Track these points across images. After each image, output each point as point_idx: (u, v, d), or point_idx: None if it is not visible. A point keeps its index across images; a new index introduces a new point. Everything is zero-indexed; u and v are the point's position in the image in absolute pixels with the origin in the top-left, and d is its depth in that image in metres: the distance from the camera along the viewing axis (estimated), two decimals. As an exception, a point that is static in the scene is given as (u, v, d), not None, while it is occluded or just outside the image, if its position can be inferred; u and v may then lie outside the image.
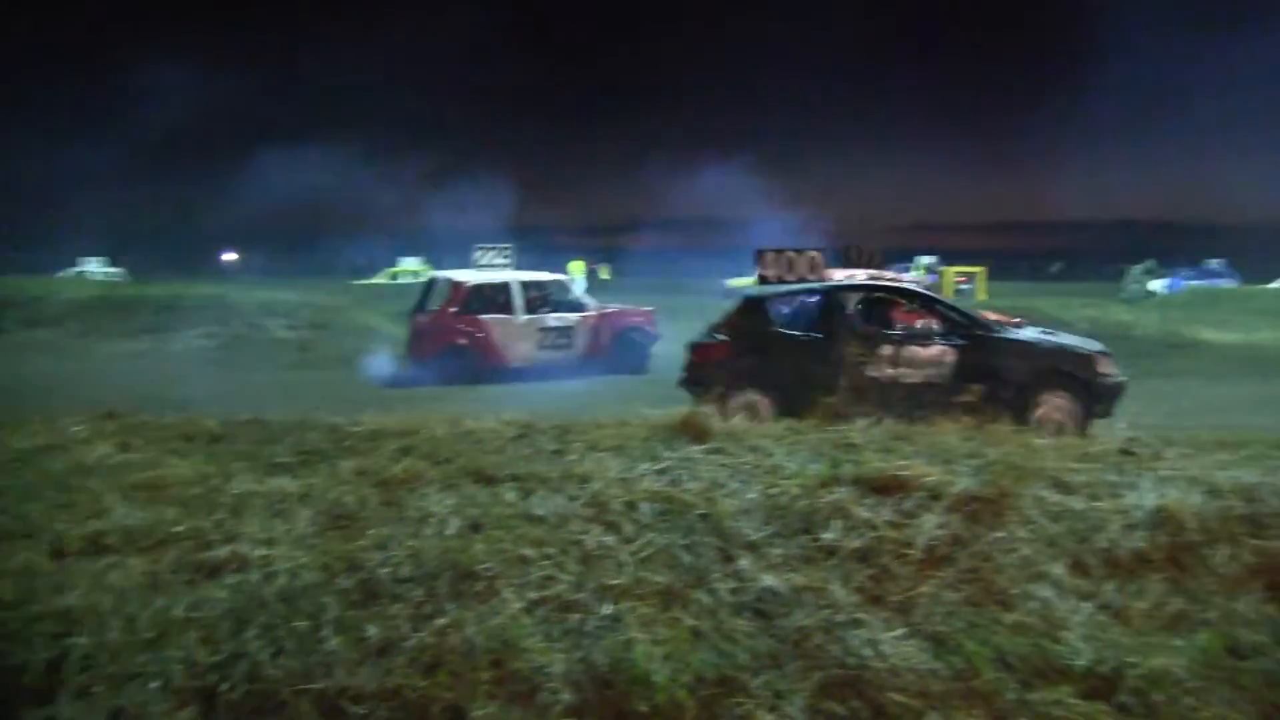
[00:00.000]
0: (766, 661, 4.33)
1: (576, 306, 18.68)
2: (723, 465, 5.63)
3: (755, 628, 4.48)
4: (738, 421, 6.58)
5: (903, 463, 5.55)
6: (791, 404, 9.76)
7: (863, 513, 5.13)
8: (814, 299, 11.80)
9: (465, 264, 19.57)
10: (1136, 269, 40.70)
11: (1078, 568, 5.04)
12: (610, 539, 4.90)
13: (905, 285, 14.19)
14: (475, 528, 4.97)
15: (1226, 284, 43.98)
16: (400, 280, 47.75)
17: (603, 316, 18.68)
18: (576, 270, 35.96)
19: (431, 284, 19.10)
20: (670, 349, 19.18)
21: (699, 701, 4.10)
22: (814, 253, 12.42)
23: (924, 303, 11.75)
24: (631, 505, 5.15)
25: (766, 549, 4.91)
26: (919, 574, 4.86)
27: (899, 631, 4.53)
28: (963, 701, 4.32)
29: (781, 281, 12.15)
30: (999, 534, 5.14)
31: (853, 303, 11.46)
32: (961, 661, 4.44)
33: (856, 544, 4.96)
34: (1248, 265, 48.87)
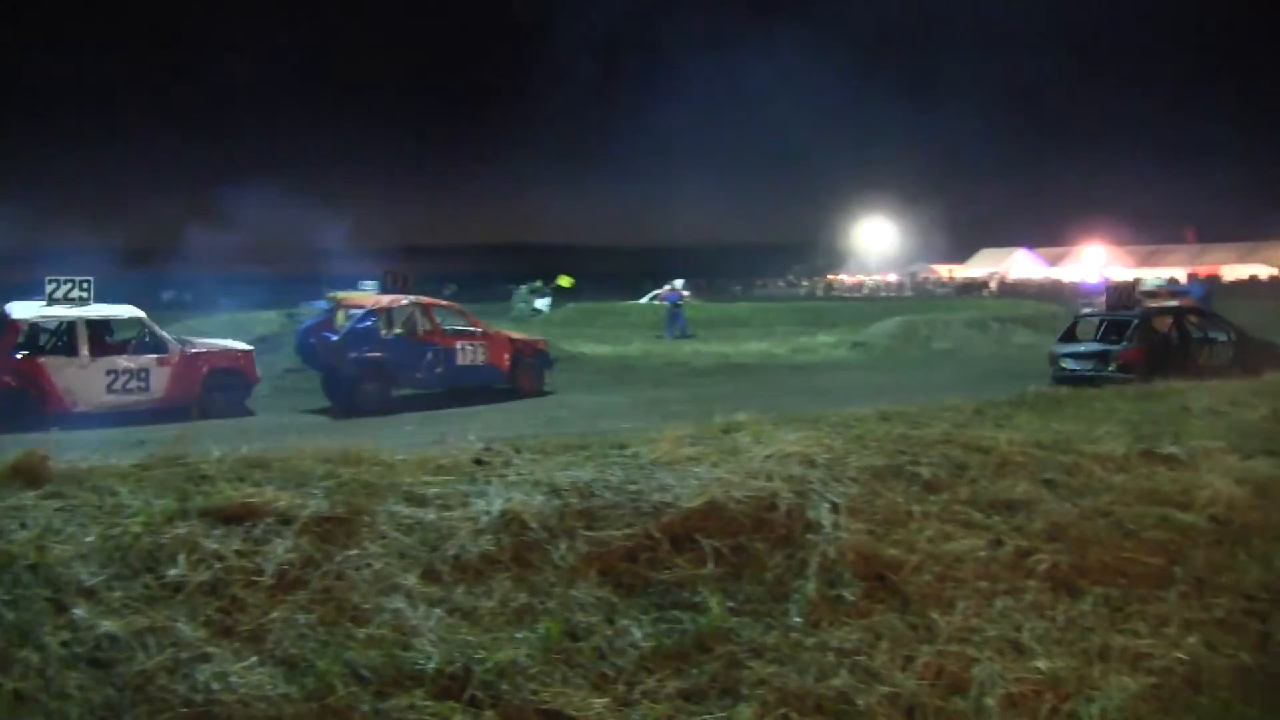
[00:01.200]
0: (104, 713, 4.17)
1: (156, 346, 16.83)
2: (58, 510, 5.27)
3: (92, 679, 4.28)
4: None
5: (253, 490, 5.51)
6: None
7: (211, 544, 5.05)
8: (1168, 318, 19.24)
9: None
10: (523, 289, 43.05)
11: (429, 576, 5.28)
12: (-88, 607, 4.43)
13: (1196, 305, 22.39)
14: None
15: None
16: None
17: (186, 357, 16.93)
18: None
19: (2, 320, 16.52)
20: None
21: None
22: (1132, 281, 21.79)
23: (1210, 319, 19.67)
24: (-57, 566, 4.69)
25: (105, 594, 4.68)
26: (270, 600, 4.86)
27: (249, 660, 4.52)
28: (318, 720, 4.37)
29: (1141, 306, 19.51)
30: (352, 552, 5.27)
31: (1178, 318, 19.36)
32: (314, 681, 4.51)
33: (204, 577, 4.87)
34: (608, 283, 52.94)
